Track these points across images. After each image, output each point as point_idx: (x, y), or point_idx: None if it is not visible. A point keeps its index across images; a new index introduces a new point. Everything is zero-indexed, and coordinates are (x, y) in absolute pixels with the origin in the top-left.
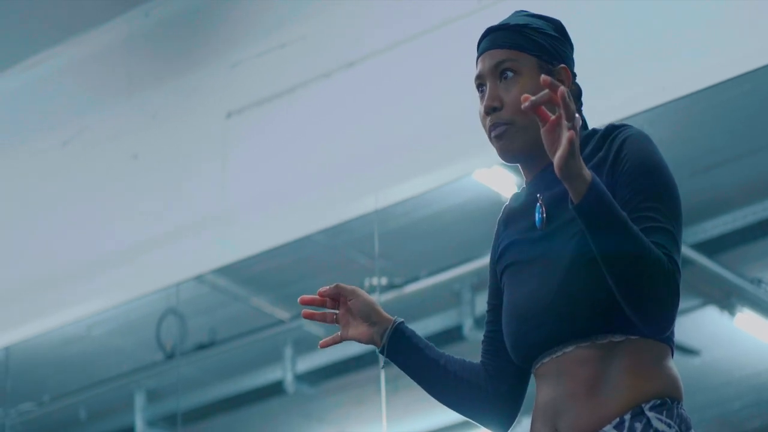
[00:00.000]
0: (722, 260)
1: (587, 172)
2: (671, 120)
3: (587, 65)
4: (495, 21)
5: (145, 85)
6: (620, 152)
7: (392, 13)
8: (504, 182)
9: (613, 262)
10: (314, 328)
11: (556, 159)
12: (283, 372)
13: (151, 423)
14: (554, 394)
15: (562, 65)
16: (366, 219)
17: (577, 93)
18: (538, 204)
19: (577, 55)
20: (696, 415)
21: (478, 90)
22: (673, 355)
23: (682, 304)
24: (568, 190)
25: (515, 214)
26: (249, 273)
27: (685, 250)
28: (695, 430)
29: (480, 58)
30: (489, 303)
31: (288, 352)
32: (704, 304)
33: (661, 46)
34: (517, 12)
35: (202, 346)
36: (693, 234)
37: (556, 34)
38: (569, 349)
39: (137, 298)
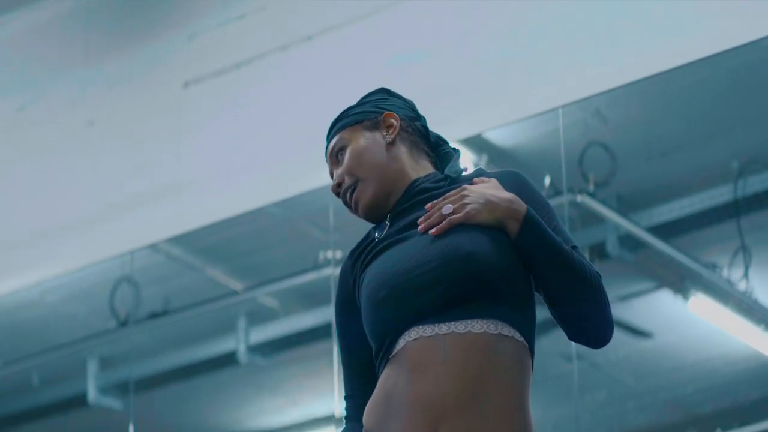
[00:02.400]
0: (677, 244)
1: (516, 208)
2: (628, 103)
3: (544, 48)
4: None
5: (102, 53)
6: (521, 192)
7: None
8: (465, 158)
9: (566, 279)
10: (268, 299)
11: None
12: (236, 343)
13: (103, 390)
14: (437, 390)
15: (385, 112)
16: (321, 192)
17: (418, 129)
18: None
19: (531, 39)
20: (648, 398)
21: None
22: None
23: (637, 286)
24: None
25: (365, 245)
26: (203, 243)
27: (641, 233)
28: (647, 413)
29: (327, 161)
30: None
31: (241, 323)
32: (658, 287)
33: (619, 29)
34: None
35: (155, 315)
36: (648, 217)
37: (377, 96)
38: (460, 328)
39: (91, 265)
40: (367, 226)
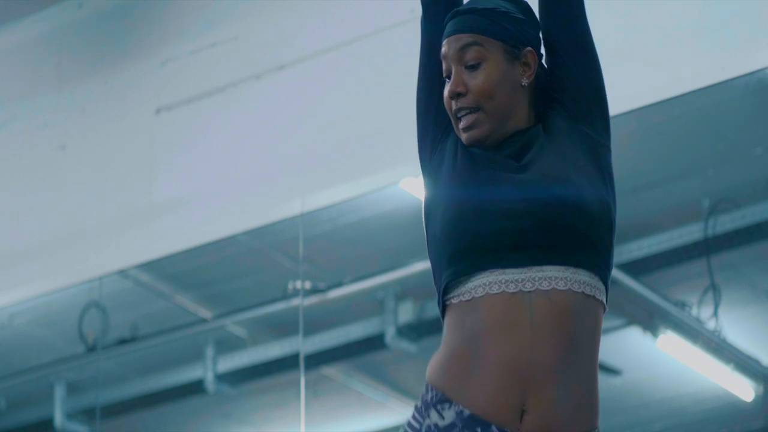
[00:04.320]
0: (647, 282)
1: None
2: None
3: None
4: None
5: (75, 77)
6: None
7: (325, 19)
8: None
9: None
10: (236, 328)
11: None
12: (204, 371)
13: (69, 416)
14: (525, 358)
15: (528, 48)
16: (291, 222)
17: (542, 74)
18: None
19: None
20: None
21: (445, 72)
22: None
23: (606, 323)
24: None
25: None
26: (173, 270)
27: None
28: None
29: (446, 41)
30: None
31: (209, 351)
32: (627, 324)
33: None
34: None
35: (123, 341)
36: (618, 254)
37: (523, 17)
38: (544, 284)
39: (60, 290)
40: (335, 260)
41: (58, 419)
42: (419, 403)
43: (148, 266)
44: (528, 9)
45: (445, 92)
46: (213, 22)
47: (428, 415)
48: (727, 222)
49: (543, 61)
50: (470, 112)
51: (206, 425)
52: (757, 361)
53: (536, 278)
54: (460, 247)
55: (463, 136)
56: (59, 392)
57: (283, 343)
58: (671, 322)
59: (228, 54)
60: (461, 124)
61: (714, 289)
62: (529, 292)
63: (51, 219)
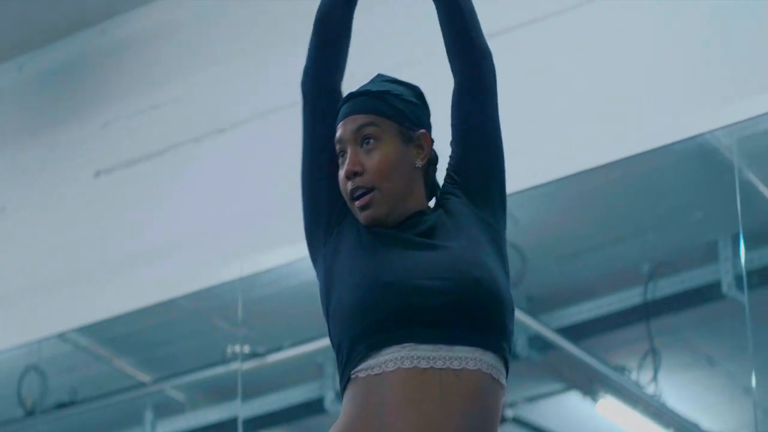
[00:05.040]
0: (586, 346)
1: None
2: (539, 204)
3: None
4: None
5: (15, 139)
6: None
7: (264, 82)
8: None
9: None
10: (175, 392)
11: None
12: None
13: None
14: (433, 430)
15: (422, 131)
16: (230, 286)
17: (434, 159)
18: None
19: (445, 140)
20: None
21: (339, 155)
22: None
23: (545, 387)
24: None
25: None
26: (112, 333)
27: (549, 335)
28: None
29: (341, 123)
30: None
31: (148, 415)
32: (567, 389)
33: (530, 131)
34: (378, 76)
35: (62, 405)
36: (557, 319)
37: (416, 101)
38: (455, 364)
39: None
40: (274, 324)
41: None
42: None
43: (87, 330)
44: (421, 94)
45: (341, 173)
46: (153, 85)
47: None
48: (667, 286)
49: (452, 145)
50: (367, 192)
51: None
52: (696, 425)
53: (447, 357)
54: (374, 322)
55: (361, 216)
56: None
57: (222, 407)
58: (611, 386)
59: (168, 116)
60: (358, 204)
61: (654, 353)
62: (440, 369)
63: None
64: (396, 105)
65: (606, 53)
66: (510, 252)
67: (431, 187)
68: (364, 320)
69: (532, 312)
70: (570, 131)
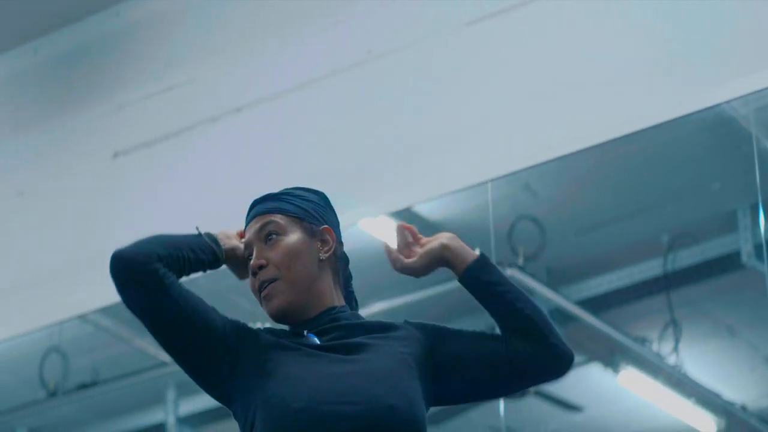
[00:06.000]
0: (607, 318)
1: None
2: (557, 177)
3: (473, 122)
4: (382, 72)
5: (32, 123)
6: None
7: (281, 61)
8: (390, 232)
9: (524, 305)
10: None
11: (442, 241)
12: (165, 414)
13: None
14: None
15: (325, 226)
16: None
17: (342, 256)
18: (306, 333)
19: (460, 113)
20: None
21: (248, 260)
22: None
23: None
24: (453, 267)
25: (284, 335)
26: (133, 314)
27: (570, 307)
28: None
29: (247, 228)
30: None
31: (170, 394)
32: (588, 360)
33: (547, 104)
34: (283, 189)
35: (84, 386)
36: (578, 291)
37: (320, 202)
38: None
39: (20, 335)
40: None
41: None
42: None
43: (108, 311)
44: (325, 198)
45: (249, 272)
46: (168, 66)
47: None
48: (686, 257)
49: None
50: (270, 282)
51: None
52: (718, 395)
53: None
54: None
55: (267, 309)
56: None
57: None
58: (632, 357)
59: (184, 97)
60: (262, 295)
61: (674, 324)
62: None
63: (10, 265)
64: (296, 203)
65: (623, 23)
66: (529, 225)
67: (346, 287)
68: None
69: (552, 285)
70: (587, 103)
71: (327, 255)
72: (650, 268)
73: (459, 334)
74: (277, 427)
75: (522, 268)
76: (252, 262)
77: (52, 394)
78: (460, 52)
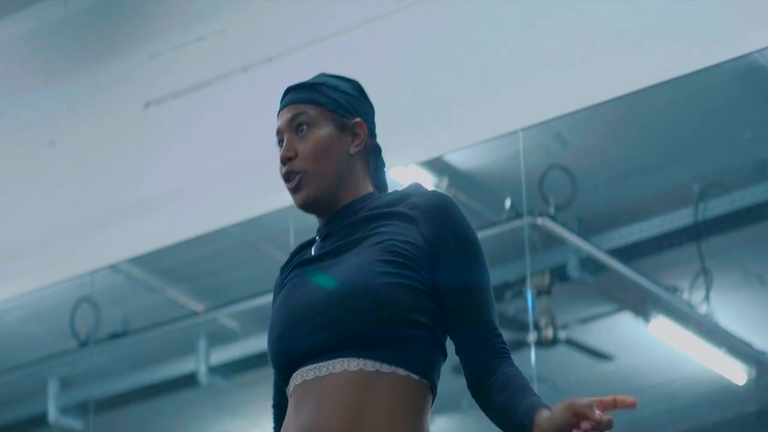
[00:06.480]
0: (638, 267)
1: None
2: (589, 126)
3: (505, 71)
4: (413, 22)
5: (62, 74)
6: (446, 224)
7: (312, 10)
8: (425, 181)
9: None
10: (228, 321)
11: None
12: (197, 364)
13: (63, 411)
14: (315, 421)
15: (358, 119)
16: (282, 214)
17: (373, 148)
18: (317, 240)
19: (491, 62)
20: None
21: (279, 146)
22: (433, 402)
23: (598, 309)
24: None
25: (298, 254)
26: (164, 264)
27: (601, 256)
28: None
29: (279, 115)
30: None
31: (202, 344)
32: (619, 309)
33: (578, 53)
34: (319, 74)
35: (115, 336)
36: (609, 240)
37: (354, 93)
38: (337, 368)
39: (51, 285)
40: None
41: (52, 414)
42: None
43: (139, 260)
44: (359, 88)
45: (281, 155)
46: (200, 16)
47: None
48: (717, 206)
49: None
50: (297, 174)
51: (199, 418)
52: (749, 345)
53: (330, 364)
54: (278, 369)
55: (294, 200)
56: (52, 388)
57: None
58: (663, 307)
59: (215, 47)
60: (288, 186)
61: (705, 273)
62: (323, 376)
63: (40, 215)
64: (330, 95)
65: None
66: (560, 174)
67: (376, 176)
68: (274, 367)
69: (583, 234)
70: (619, 53)
71: (357, 149)
72: (681, 217)
73: (459, 294)
74: (269, 352)
75: (553, 218)
76: (282, 153)
77: (84, 344)
78: (493, 2)
